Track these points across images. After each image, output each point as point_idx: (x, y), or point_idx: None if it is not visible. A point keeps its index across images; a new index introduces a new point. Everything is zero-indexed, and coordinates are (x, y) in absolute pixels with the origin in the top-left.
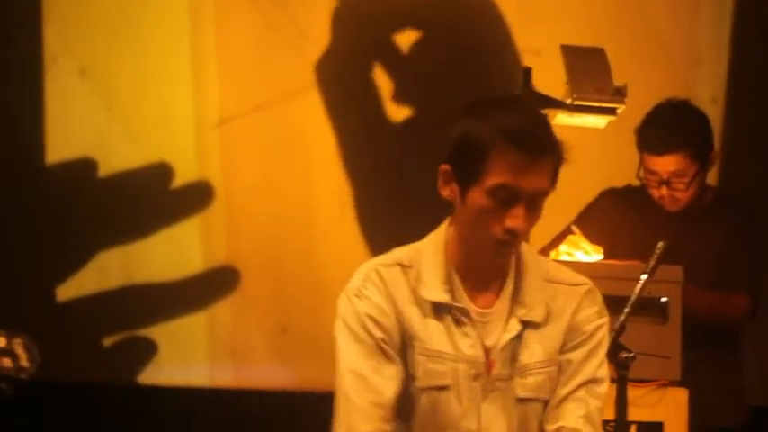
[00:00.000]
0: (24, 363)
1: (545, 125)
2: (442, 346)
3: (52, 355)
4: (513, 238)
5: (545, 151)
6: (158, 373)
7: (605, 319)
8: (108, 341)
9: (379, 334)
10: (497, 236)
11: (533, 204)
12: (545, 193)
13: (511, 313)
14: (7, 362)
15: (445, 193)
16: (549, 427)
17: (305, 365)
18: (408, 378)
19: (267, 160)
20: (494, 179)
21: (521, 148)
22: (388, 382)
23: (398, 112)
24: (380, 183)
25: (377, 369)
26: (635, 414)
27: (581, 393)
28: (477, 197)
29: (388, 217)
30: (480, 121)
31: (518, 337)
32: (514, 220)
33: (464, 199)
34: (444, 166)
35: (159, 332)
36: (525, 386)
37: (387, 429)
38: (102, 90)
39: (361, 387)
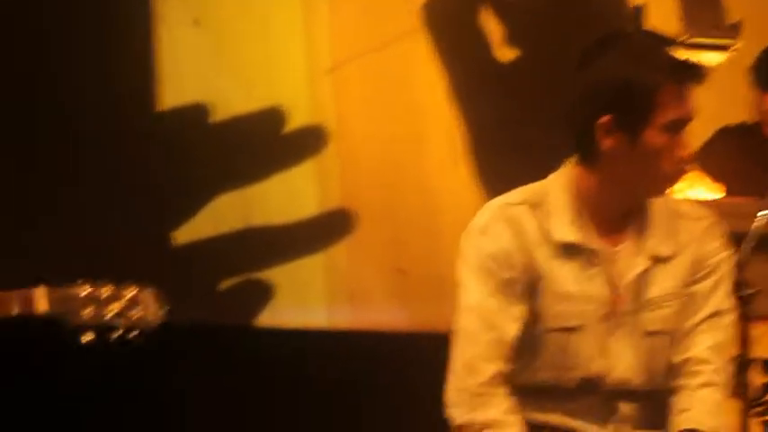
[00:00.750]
0: (152, 314)
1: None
2: (571, 287)
3: (169, 298)
4: (683, 168)
5: (701, 78)
6: (275, 316)
7: (729, 252)
8: (224, 284)
9: (504, 273)
10: (670, 169)
11: None
12: None
13: (639, 249)
14: (137, 312)
15: (607, 144)
16: (677, 358)
17: (421, 307)
18: (534, 319)
19: (379, 103)
20: (667, 115)
21: (683, 80)
22: (511, 321)
23: (508, 55)
24: (492, 125)
25: (501, 308)
26: (757, 351)
27: (707, 325)
28: (652, 137)
29: (501, 159)
30: (634, 63)
31: (645, 272)
32: (684, 148)
33: (635, 143)
34: (604, 119)
35: (276, 275)
36: (653, 320)
37: (505, 369)
38: (216, 38)
39: (484, 324)
